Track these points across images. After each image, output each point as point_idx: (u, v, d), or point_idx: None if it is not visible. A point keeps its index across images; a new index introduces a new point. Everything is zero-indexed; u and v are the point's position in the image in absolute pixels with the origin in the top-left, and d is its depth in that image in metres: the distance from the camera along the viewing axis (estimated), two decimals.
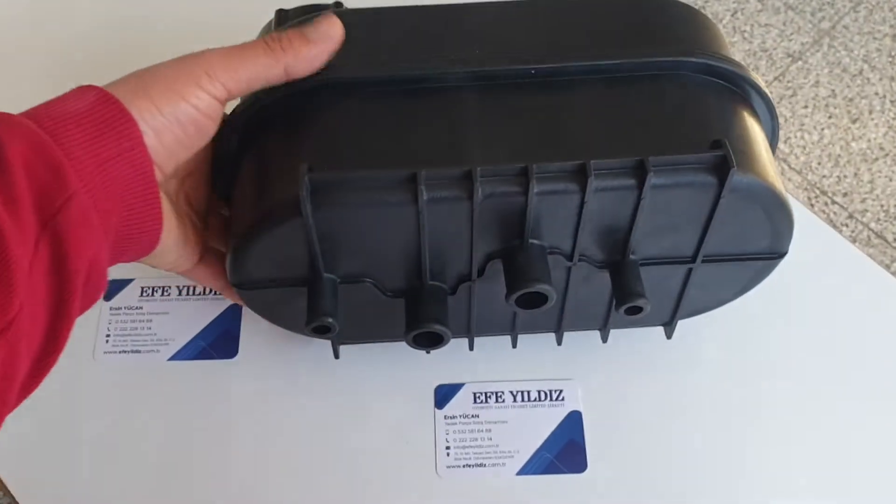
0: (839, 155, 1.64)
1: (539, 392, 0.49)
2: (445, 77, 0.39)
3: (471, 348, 0.49)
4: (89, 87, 0.34)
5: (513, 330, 0.48)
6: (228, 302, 0.51)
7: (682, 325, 0.49)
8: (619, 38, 0.41)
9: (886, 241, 1.55)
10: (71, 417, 0.48)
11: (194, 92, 0.35)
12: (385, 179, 0.37)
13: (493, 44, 0.41)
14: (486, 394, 0.49)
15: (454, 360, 0.50)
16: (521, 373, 0.50)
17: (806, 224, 0.56)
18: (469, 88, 0.39)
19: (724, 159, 0.37)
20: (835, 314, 0.53)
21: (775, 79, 1.73)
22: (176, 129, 0.35)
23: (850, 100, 1.70)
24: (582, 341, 0.50)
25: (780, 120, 1.68)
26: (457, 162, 0.37)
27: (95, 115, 0.32)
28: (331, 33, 0.39)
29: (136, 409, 0.48)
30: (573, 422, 0.48)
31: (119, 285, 0.52)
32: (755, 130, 0.41)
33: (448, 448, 0.47)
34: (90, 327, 0.50)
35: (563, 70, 0.40)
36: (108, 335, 0.50)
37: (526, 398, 0.49)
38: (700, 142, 0.38)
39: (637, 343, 0.51)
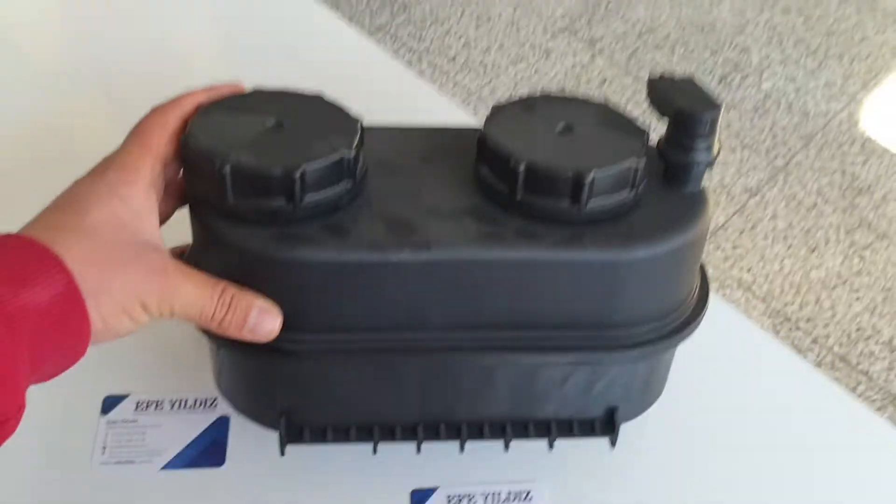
0: (800, 283, 1.72)
1: (510, 493, 0.53)
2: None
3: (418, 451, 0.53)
4: (56, 271, 0.37)
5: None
6: (217, 413, 0.55)
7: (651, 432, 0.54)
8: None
9: (850, 364, 1.60)
10: None
11: (137, 312, 0.40)
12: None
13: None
14: (459, 496, 0.52)
15: (429, 463, 0.53)
16: (490, 473, 0.53)
17: (772, 352, 0.61)
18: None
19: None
20: (803, 440, 0.57)
21: (735, 213, 1.82)
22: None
23: (807, 231, 1.79)
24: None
25: (742, 250, 1.76)
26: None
27: (61, 326, 0.37)
28: (267, 334, 0.44)
29: None
30: None
31: (116, 400, 0.56)
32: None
33: None
34: (87, 440, 0.54)
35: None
36: (104, 447, 0.53)
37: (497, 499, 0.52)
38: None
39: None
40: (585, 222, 0.45)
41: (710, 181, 1.82)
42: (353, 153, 0.44)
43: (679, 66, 2.06)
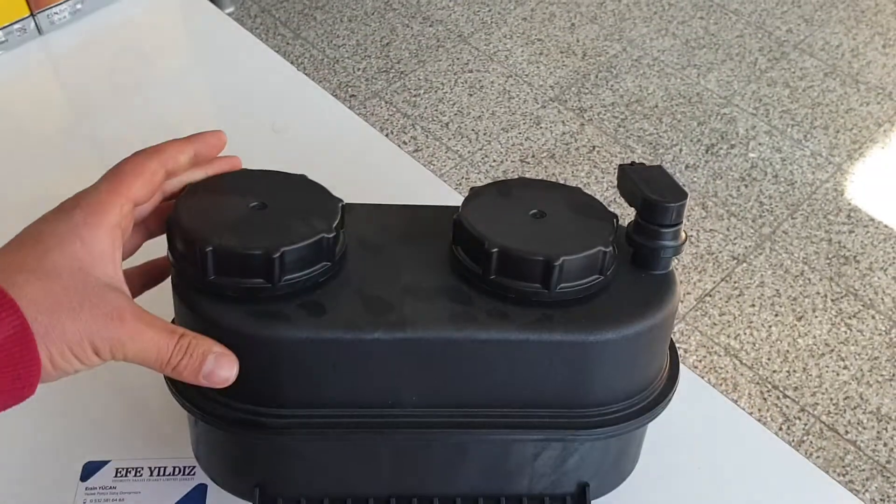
0: (787, 351, 1.73)
1: None
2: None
3: None
4: (9, 314, 0.38)
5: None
6: (195, 482, 0.56)
7: None
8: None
9: (838, 433, 1.61)
10: None
11: (88, 355, 0.41)
12: None
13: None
14: None
15: None
16: None
17: (748, 428, 0.62)
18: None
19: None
20: None
21: (722, 280, 1.84)
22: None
23: (794, 299, 1.81)
24: None
25: (729, 317, 1.78)
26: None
27: (10, 367, 0.38)
28: (223, 381, 0.44)
29: None
30: None
31: (96, 466, 0.56)
32: None
33: None
34: None
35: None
36: None
37: None
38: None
39: None
40: (555, 304, 0.47)
41: (697, 248, 1.86)
42: (332, 235, 0.46)
43: (666, 136, 2.10)
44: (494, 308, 0.46)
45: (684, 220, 0.49)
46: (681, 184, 0.49)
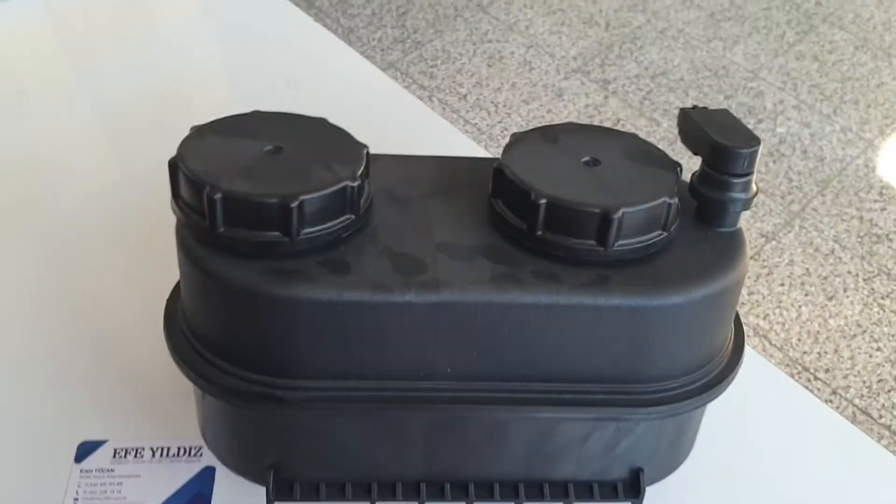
0: (818, 332, 1.66)
1: None
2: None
3: None
4: None
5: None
6: (202, 464, 0.51)
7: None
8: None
9: (872, 417, 1.55)
10: None
11: None
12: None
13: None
14: None
15: None
16: None
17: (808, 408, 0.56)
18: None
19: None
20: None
21: (751, 258, 1.78)
22: None
23: (825, 278, 1.75)
24: None
25: (758, 297, 1.72)
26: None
27: None
28: None
29: None
30: None
31: (92, 446, 0.51)
32: None
33: None
34: (57, 490, 0.49)
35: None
36: (76, 499, 0.49)
37: None
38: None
39: None
40: (611, 264, 0.41)
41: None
42: (356, 183, 0.40)
43: None
44: (542, 268, 0.41)
45: (755, 171, 0.43)
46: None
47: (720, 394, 0.45)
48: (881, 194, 1.90)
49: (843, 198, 1.88)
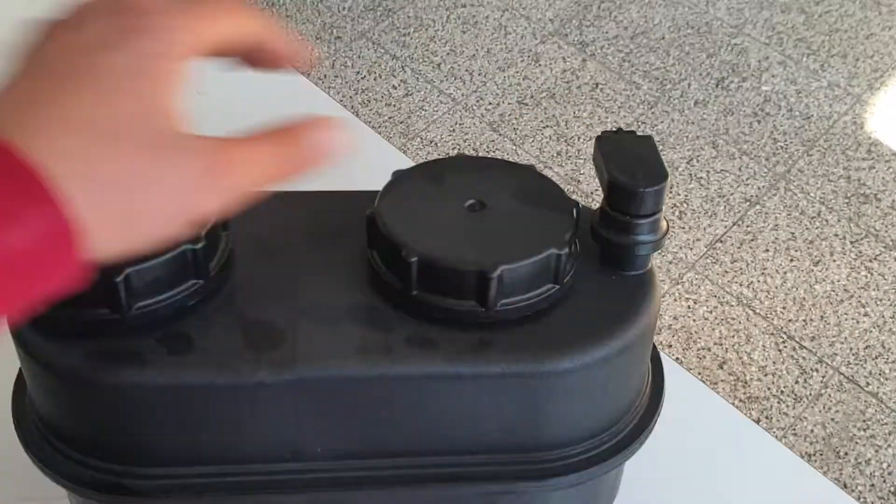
0: (804, 298, 1.62)
1: None
2: None
3: None
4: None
5: None
6: None
7: None
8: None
9: (859, 385, 1.51)
10: None
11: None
12: None
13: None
14: None
15: None
16: None
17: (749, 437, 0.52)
18: None
19: None
20: None
21: (734, 224, 1.73)
22: None
23: (811, 242, 1.70)
24: None
25: (742, 264, 1.67)
26: None
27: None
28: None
29: None
30: None
31: None
32: None
33: None
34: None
35: None
36: None
37: None
38: None
39: None
40: (495, 325, 0.36)
41: (708, 190, 1.74)
42: (200, 245, 0.35)
43: (674, 70, 1.97)
44: (418, 333, 0.36)
45: (663, 209, 0.38)
46: (664, 163, 0.37)
47: (634, 453, 0.40)
48: (869, 152, 1.84)
49: (829, 157, 1.83)
